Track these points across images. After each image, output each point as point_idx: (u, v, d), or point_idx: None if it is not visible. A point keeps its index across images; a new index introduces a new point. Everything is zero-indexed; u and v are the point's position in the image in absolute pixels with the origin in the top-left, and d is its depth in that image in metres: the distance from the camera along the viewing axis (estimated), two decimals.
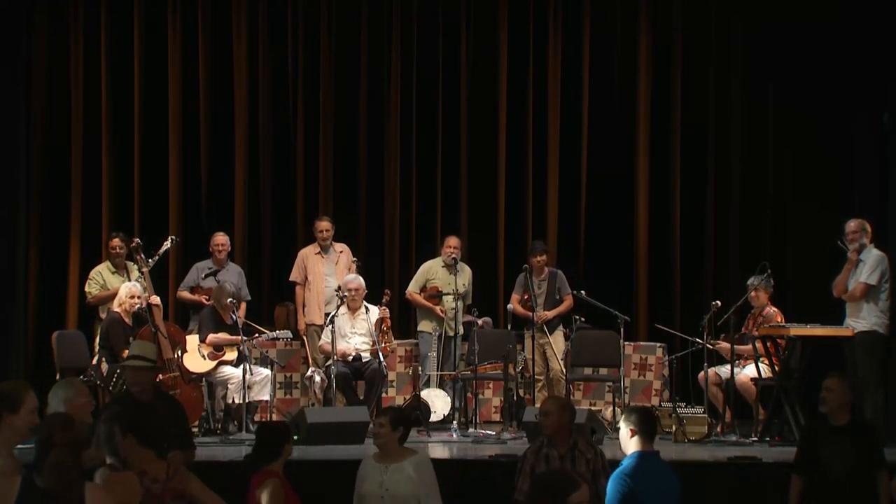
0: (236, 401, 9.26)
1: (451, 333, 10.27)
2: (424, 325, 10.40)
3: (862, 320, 8.79)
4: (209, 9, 11.42)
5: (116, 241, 10.07)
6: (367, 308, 9.93)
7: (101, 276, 10.07)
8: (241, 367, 9.17)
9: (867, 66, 9.95)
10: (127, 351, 8.72)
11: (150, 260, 9.52)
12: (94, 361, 9.21)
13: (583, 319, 9.70)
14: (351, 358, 9.69)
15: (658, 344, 10.63)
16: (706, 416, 9.03)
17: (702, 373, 9.33)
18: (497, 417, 10.36)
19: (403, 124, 11.54)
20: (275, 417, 9.53)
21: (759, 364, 9.17)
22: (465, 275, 10.44)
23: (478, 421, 9.61)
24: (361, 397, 9.67)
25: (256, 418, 9.63)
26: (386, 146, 11.54)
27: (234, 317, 9.40)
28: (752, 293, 9.42)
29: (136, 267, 9.72)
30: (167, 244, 9.88)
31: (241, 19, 11.39)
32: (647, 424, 5.55)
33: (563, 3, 11.57)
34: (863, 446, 6.15)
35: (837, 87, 10.51)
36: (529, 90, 11.58)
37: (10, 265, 10.15)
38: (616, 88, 11.68)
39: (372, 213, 11.56)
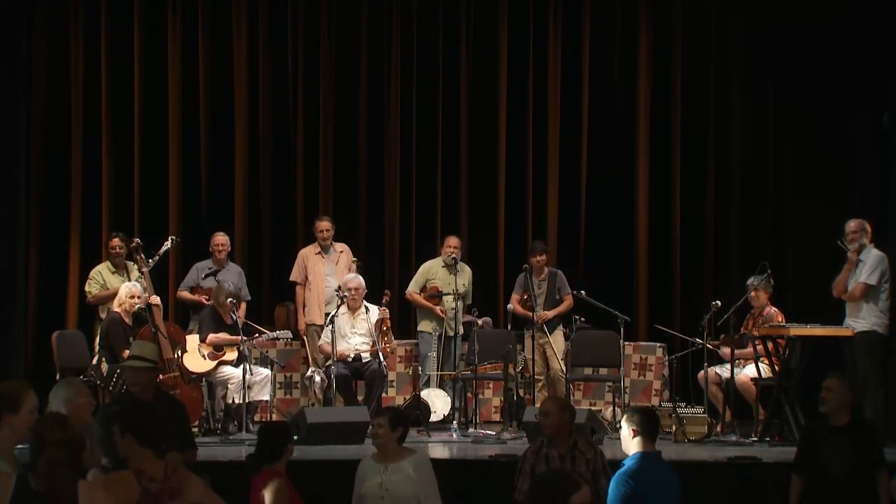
0: (236, 401, 9.25)
1: (451, 333, 10.27)
2: (424, 325, 10.40)
3: (862, 320, 8.79)
4: (209, 9, 11.42)
5: (116, 241, 10.07)
6: (367, 308, 9.93)
7: (101, 276, 10.07)
8: (241, 367, 9.16)
9: (867, 66, 9.95)
10: (127, 351, 8.77)
11: (150, 260, 9.52)
12: (94, 361, 9.21)
13: (583, 319, 9.70)
14: (351, 358, 9.69)
15: (658, 344, 10.63)
16: (706, 416, 9.03)
17: (702, 373, 9.33)
18: (497, 417, 10.36)
19: (403, 124, 11.54)
20: (275, 417, 9.54)
21: (759, 364, 9.17)
22: (465, 275, 10.44)
23: (478, 421, 9.61)
24: (361, 398, 9.68)
25: (256, 418, 9.63)
26: (386, 146, 11.54)
27: (234, 317, 9.40)
28: (752, 293, 9.42)
29: (136, 267, 9.72)
30: (167, 244, 9.88)
31: (241, 19, 11.39)
32: (649, 425, 5.56)
33: (563, 3, 11.57)
34: (863, 446, 6.15)
35: (837, 87, 10.50)
36: (529, 90, 11.57)
37: (10, 265, 10.15)
38: (616, 88, 11.68)
39: (372, 213, 11.56)
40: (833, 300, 9.04)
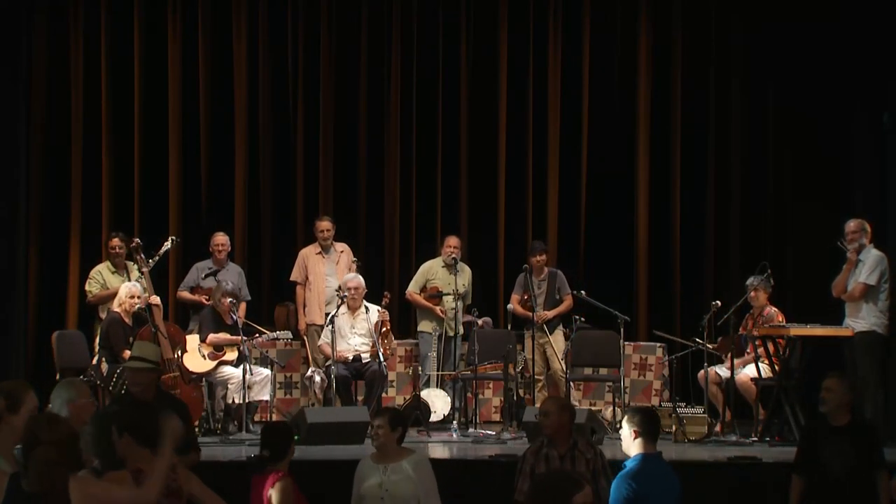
0: (236, 401, 9.25)
1: (451, 333, 10.27)
2: (424, 325, 10.40)
3: (861, 320, 8.79)
4: (209, 9, 11.42)
5: (116, 241, 10.07)
6: (367, 308, 9.93)
7: (102, 276, 10.07)
8: (241, 367, 9.16)
9: (867, 66, 9.95)
10: (127, 351, 8.79)
11: (150, 260, 9.51)
12: (94, 361, 9.21)
13: (583, 319, 9.70)
14: (351, 358, 9.69)
15: (658, 344, 10.62)
16: (706, 416, 9.03)
17: (702, 372, 9.33)
18: (497, 417, 10.36)
19: (403, 124, 11.54)
20: (275, 417, 9.54)
21: (759, 364, 9.17)
22: (465, 275, 10.44)
23: (478, 421, 9.60)
24: (361, 398, 9.67)
25: (256, 418, 9.63)
26: (386, 146, 11.54)
27: (234, 317, 9.40)
28: (752, 293, 9.42)
29: (136, 267, 9.72)
30: (167, 244, 9.87)
31: (241, 19, 11.39)
32: (650, 426, 5.56)
33: (563, 3, 11.57)
34: (863, 446, 6.15)
35: (837, 87, 10.51)
36: (529, 90, 11.57)
37: (10, 265, 10.16)
38: (616, 88, 11.68)
39: (372, 213, 11.56)
40: (833, 300, 9.04)
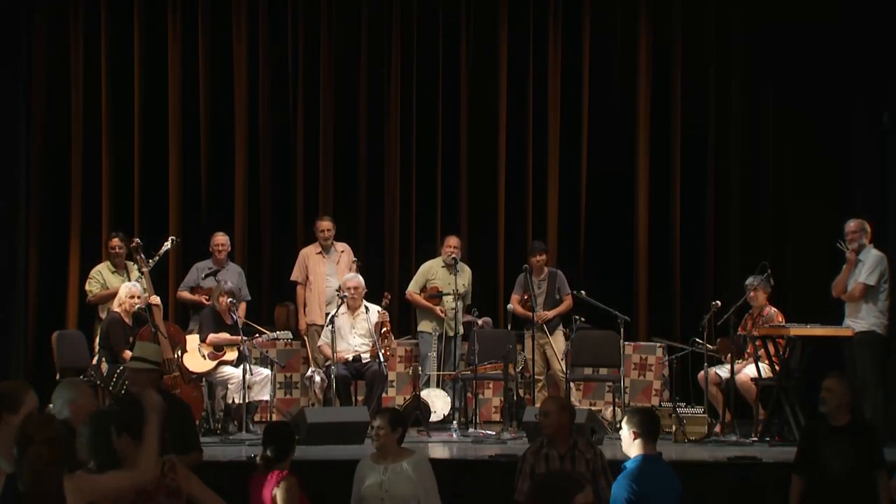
0: (236, 401, 9.25)
1: (451, 333, 10.26)
2: (424, 325, 10.40)
3: (861, 320, 8.79)
4: (209, 9, 11.42)
5: (116, 241, 10.07)
6: (367, 308, 9.93)
7: (102, 276, 10.07)
8: (241, 367, 9.16)
9: (867, 66, 9.95)
10: (127, 351, 8.80)
11: (150, 260, 9.51)
12: (94, 361, 9.20)
13: (583, 319, 9.69)
14: (351, 358, 9.69)
15: (658, 344, 10.63)
16: (706, 416, 9.03)
17: (702, 373, 9.33)
18: (497, 417, 10.36)
19: (403, 124, 11.54)
20: (275, 417, 9.54)
21: (759, 364, 9.17)
22: (465, 275, 10.44)
23: (478, 421, 9.60)
24: (360, 399, 9.67)
25: (256, 418, 9.63)
26: (386, 146, 11.54)
27: (234, 317, 9.40)
28: (752, 293, 9.42)
29: (136, 267, 9.72)
30: (167, 244, 9.87)
31: (241, 19, 11.39)
32: (649, 427, 5.55)
33: (563, 3, 11.58)
34: (863, 446, 6.15)
35: (837, 87, 10.51)
36: (529, 90, 11.58)
37: (10, 265, 10.16)
38: (616, 88, 11.68)
39: (372, 213, 11.56)
40: (833, 300, 9.04)
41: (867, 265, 8.79)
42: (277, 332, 9.75)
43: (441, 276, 10.37)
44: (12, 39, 10.36)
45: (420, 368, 10.21)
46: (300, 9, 11.52)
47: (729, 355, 9.26)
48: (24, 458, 4.29)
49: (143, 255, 9.42)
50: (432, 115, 11.60)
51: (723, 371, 9.43)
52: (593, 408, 9.75)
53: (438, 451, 8.48)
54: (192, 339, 9.47)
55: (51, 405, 5.36)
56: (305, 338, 10.35)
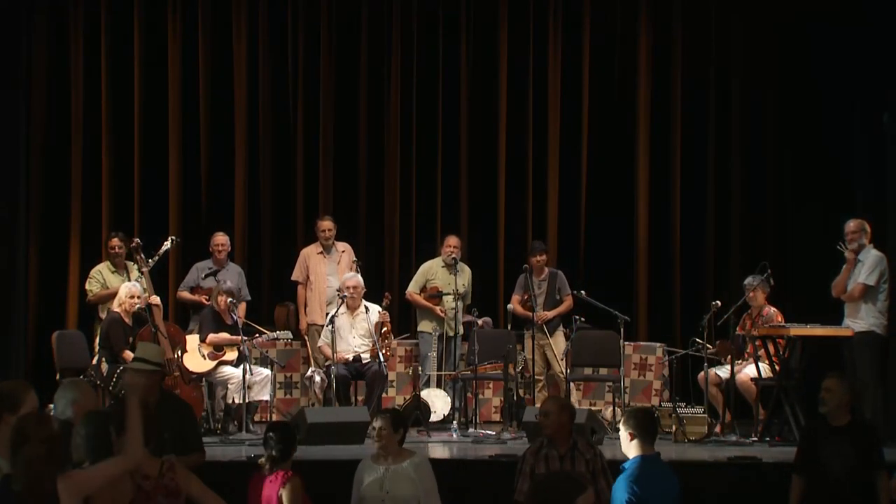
0: (236, 401, 9.25)
1: (451, 333, 10.26)
2: (424, 325, 10.40)
3: (860, 321, 8.79)
4: (209, 9, 11.42)
5: (115, 241, 10.07)
6: (366, 308, 9.92)
7: (102, 276, 10.07)
8: (241, 367, 9.17)
9: (867, 66, 9.94)
10: (127, 351, 8.81)
11: (150, 260, 9.51)
12: (94, 361, 9.21)
13: (583, 319, 9.70)
14: (351, 358, 9.69)
15: (658, 344, 10.64)
16: (706, 416, 9.03)
17: (701, 373, 9.34)
18: (497, 417, 10.37)
19: (403, 124, 11.54)
20: (275, 417, 9.54)
21: (759, 364, 9.17)
22: (465, 275, 10.44)
23: (478, 421, 9.60)
24: (361, 398, 9.68)
25: (256, 418, 9.64)
26: (386, 146, 11.54)
27: (234, 317, 9.40)
28: (750, 293, 9.42)
29: (135, 267, 9.72)
30: (167, 244, 9.87)
31: (241, 19, 11.39)
32: (646, 427, 5.54)
33: (563, 3, 11.58)
34: (863, 446, 6.16)
35: (837, 87, 10.50)
36: (529, 90, 11.58)
37: (10, 265, 10.15)
38: (616, 88, 11.68)
39: (372, 213, 11.56)
40: (833, 300, 9.04)
41: (867, 265, 8.79)
42: (277, 332, 9.75)
43: (441, 276, 10.37)
44: (12, 39, 10.35)
45: (420, 368, 10.21)
46: (300, 9, 11.51)
47: (728, 356, 9.26)
48: (19, 458, 4.29)
49: (143, 255, 9.42)
50: (432, 114, 11.60)
51: (723, 371, 9.43)
52: (593, 408, 9.75)
53: (438, 451, 8.48)
54: (192, 339, 9.47)
55: (51, 405, 5.36)
56: (306, 338, 10.35)
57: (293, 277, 10.49)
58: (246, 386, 9.07)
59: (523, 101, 11.59)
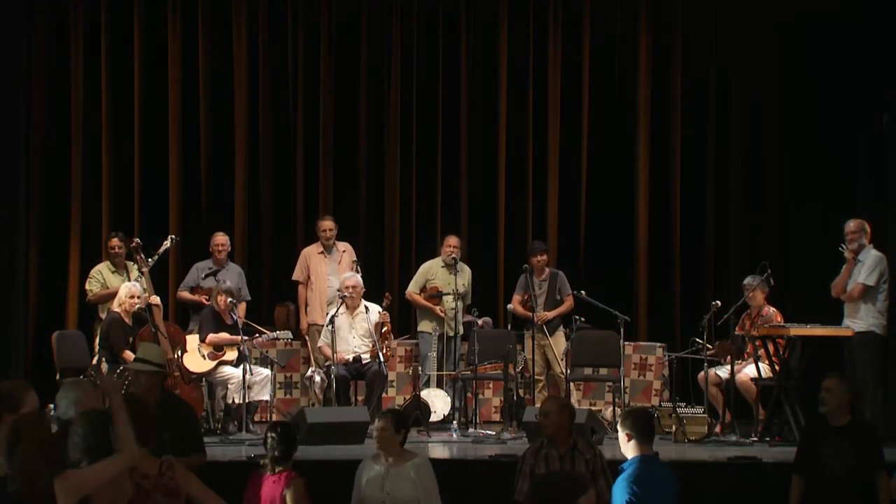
0: (236, 401, 9.25)
1: (451, 333, 10.26)
2: (424, 325, 10.40)
3: (859, 321, 8.79)
4: (209, 9, 11.42)
5: (115, 241, 10.07)
6: (366, 308, 9.92)
7: (102, 275, 10.08)
8: (241, 367, 9.17)
9: (867, 65, 9.94)
10: (127, 351, 8.81)
11: (149, 259, 9.51)
12: (94, 361, 9.21)
13: (583, 319, 9.70)
14: (351, 359, 9.69)
15: (658, 344, 10.64)
16: (706, 416, 9.03)
17: (701, 373, 9.34)
18: (497, 417, 10.37)
19: (403, 124, 11.54)
20: (275, 417, 9.53)
21: (759, 364, 9.17)
22: (465, 275, 10.44)
23: (478, 421, 9.60)
24: (361, 398, 9.67)
25: (256, 418, 9.64)
26: (386, 146, 11.54)
27: (234, 317, 9.40)
28: (750, 293, 9.42)
29: (136, 267, 9.72)
30: (167, 243, 9.87)
31: (241, 19, 11.39)
32: (643, 427, 5.54)
33: (563, 3, 11.58)
34: (863, 446, 6.16)
35: (837, 87, 10.50)
36: (529, 90, 11.58)
37: (10, 265, 10.14)
38: (616, 88, 11.68)
39: (372, 213, 11.56)
40: (833, 300, 9.04)
41: (866, 265, 8.79)
42: (277, 332, 9.75)
43: (441, 275, 10.37)
44: (12, 39, 10.35)
45: (420, 368, 10.21)
46: (300, 9, 11.51)
47: (728, 357, 9.26)
48: (14, 458, 4.28)
49: (142, 255, 9.42)
50: (432, 114, 11.60)
51: (723, 371, 9.43)
52: (593, 408, 9.75)
53: (438, 451, 8.49)
54: (192, 340, 9.47)
55: (51, 405, 5.36)
56: (307, 337, 10.35)
57: (294, 277, 10.49)
58: (246, 386, 9.07)
59: (523, 101, 11.59)
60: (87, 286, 10.14)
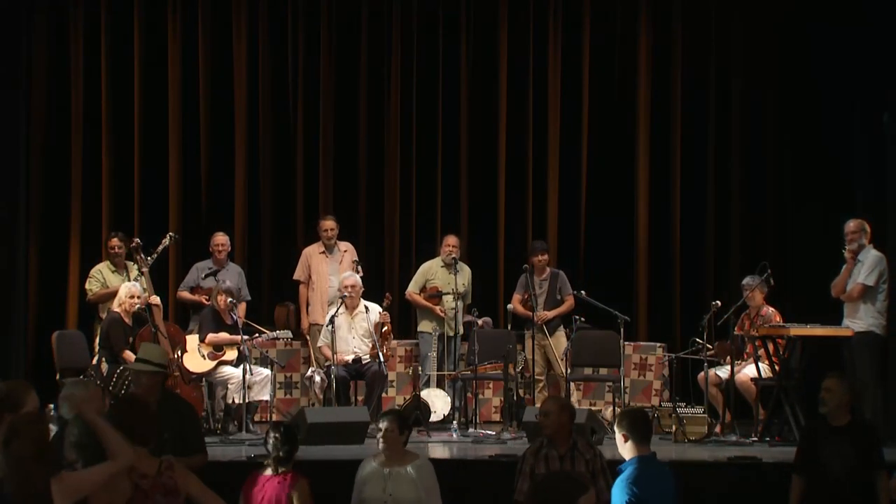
0: (236, 401, 9.25)
1: (451, 333, 10.26)
2: (424, 326, 10.40)
3: (859, 321, 8.79)
4: (209, 9, 11.42)
5: (115, 241, 10.07)
6: (366, 308, 9.92)
7: (102, 275, 10.08)
8: (241, 367, 9.17)
9: (867, 66, 9.94)
10: (127, 351, 8.81)
11: (149, 258, 9.51)
12: (94, 361, 9.21)
13: (583, 319, 9.69)
14: (351, 360, 9.68)
15: (658, 344, 10.64)
16: (706, 416, 9.03)
17: (701, 373, 9.34)
18: (497, 417, 10.37)
19: (403, 124, 11.54)
20: (275, 417, 9.53)
21: (759, 364, 9.17)
22: (465, 274, 10.43)
23: (478, 421, 9.61)
24: (360, 398, 9.67)
25: (256, 418, 9.64)
26: (386, 146, 11.54)
27: (233, 317, 9.40)
28: (748, 293, 9.42)
29: (135, 267, 9.72)
30: (166, 241, 9.87)
31: (241, 19, 11.39)
32: (639, 428, 5.52)
33: (563, 3, 11.58)
34: (863, 446, 6.16)
35: (837, 87, 10.50)
36: (529, 90, 11.57)
37: (10, 265, 10.15)
38: (616, 88, 11.68)
39: (372, 213, 11.56)
40: (833, 300, 9.04)
41: (866, 265, 8.79)
42: (277, 332, 9.75)
43: (440, 275, 10.37)
44: (12, 39, 10.35)
45: (420, 368, 10.21)
46: (300, 9, 11.51)
47: (727, 357, 9.26)
48: (9, 457, 4.28)
49: (142, 255, 9.42)
50: (432, 115, 11.60)
51: (723, 371, 9.43)
52: (593, 408, 9.75)
53: (438, 451, 8.49)
54: (192, 340, 9.47)
55: (51, 405, 5.36)
56: (308, 337, 10.35)
57: (295, 277, 10.49)
58: (246, 386, 9.07)
59: (523, 101, 11.59)
60: (87, 286, 10.14)
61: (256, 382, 9.35)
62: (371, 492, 5.93)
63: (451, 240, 10.42)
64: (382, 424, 6.04)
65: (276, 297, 11.14)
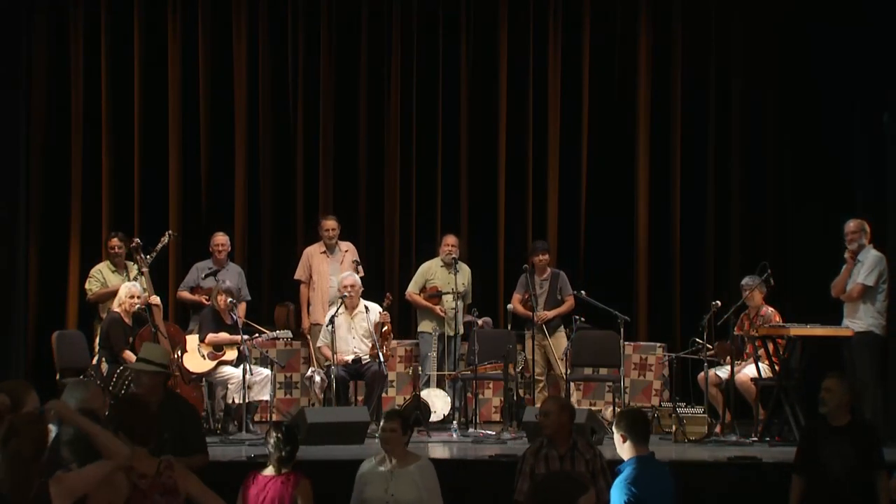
0: (236, 401, 9.26)
1: (451, 333, 10.26)
2: (424, 326, 10.40)
3: (859, 321, 8.79)
4: (209, 9, 11.42)
5: (115, 241, 10.08)
6: (366, 308, 9.92)
7: (102, 275, 10.08)
8: (241, 367, 9.17)
9: (867, 66, 9.95)
10: (127, 351, 8.81)
11: (148, 256, 9.51)
12: (94, 361, 9.21)
13: (583, 319, 9.69)
14: (351, 360, 9.68)
15: (658, 344, 10.65)
16: (706, 416, 9.03)
17: (701, 373, 9.34)
18: (497, 417, 10.37)
19: (403, 124, 11.54)
20: (275, 417, 9.53)
21: (759, 364, 9.18)
22: (465, 274, 10.43)
23: (478, 421, 9.60)
24: (360, 398, 9.67)
25: (256, 418, 9.64)
26: (386, 146, 11.54)
27: (233, 317, 9.40)
28: (748, 293, 9.42)
29: (135, 267, 9.72)
30: (165, 239, 9.88)
31: (241, 19, 11.39)
32: (637, 428, 5.52)
33: (563, 3, 11.58)
34: (863, 446, 6.16)
35: (837, 87, 10.50)
36: (529, 90, 11.58)
37: (10, 265, 10.14)
38: (616, 88, 11.68)
39: (372, 213, 11.56)
40: (833, 300, 9.05)
41: (866, 265, 8.79)
42: (277, 332, 9.75)
43: (440, 275, 10.37)
44: (12, 39, 10.35)
45: (420, 368, 10.21)
46: (300, 9, 11.51)
47: (727, 357, 9.26)
48: (7, 456, 4.28)
49: (142, 255, 9.43)
50: (432, 115, 11.60)
51: (723, 371, 9.43)
52: (593, 408, 9.76)
53: (438, 451, 8.49)
54: (192, 340, 9.47)
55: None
56: (308, 337, 10.35)
57: (296, 276, 10.49)
58: (246, 386, 9.07)
59: (523, 101, 11.59)
60: (87, 286, 10.14)
61: (256, 382, 9.35)
62: (373, 492, 5.93)
63: (451, 239, 10.42)
64: (386, 424, 6.04)
65: (276, 297, 11.14)
